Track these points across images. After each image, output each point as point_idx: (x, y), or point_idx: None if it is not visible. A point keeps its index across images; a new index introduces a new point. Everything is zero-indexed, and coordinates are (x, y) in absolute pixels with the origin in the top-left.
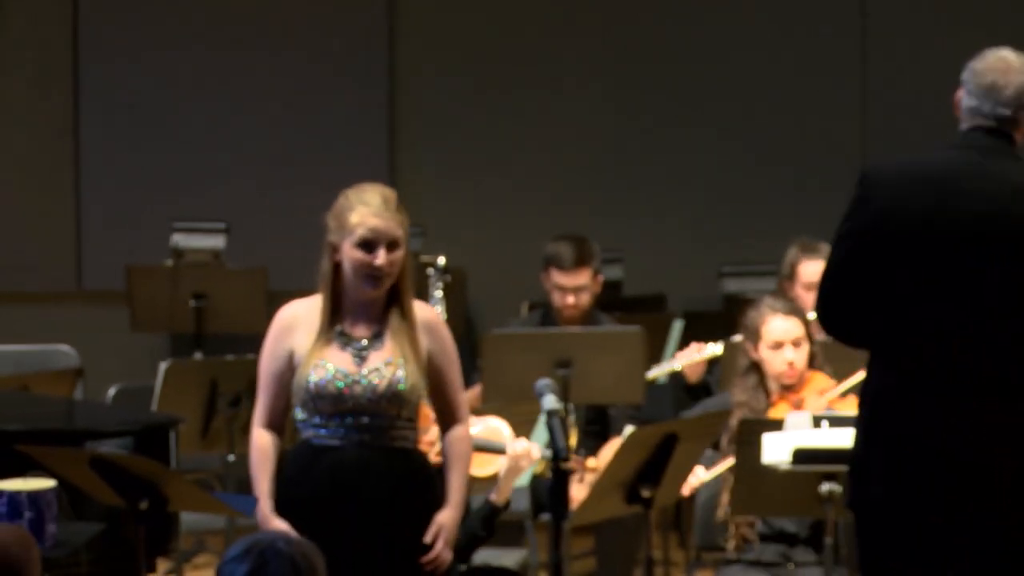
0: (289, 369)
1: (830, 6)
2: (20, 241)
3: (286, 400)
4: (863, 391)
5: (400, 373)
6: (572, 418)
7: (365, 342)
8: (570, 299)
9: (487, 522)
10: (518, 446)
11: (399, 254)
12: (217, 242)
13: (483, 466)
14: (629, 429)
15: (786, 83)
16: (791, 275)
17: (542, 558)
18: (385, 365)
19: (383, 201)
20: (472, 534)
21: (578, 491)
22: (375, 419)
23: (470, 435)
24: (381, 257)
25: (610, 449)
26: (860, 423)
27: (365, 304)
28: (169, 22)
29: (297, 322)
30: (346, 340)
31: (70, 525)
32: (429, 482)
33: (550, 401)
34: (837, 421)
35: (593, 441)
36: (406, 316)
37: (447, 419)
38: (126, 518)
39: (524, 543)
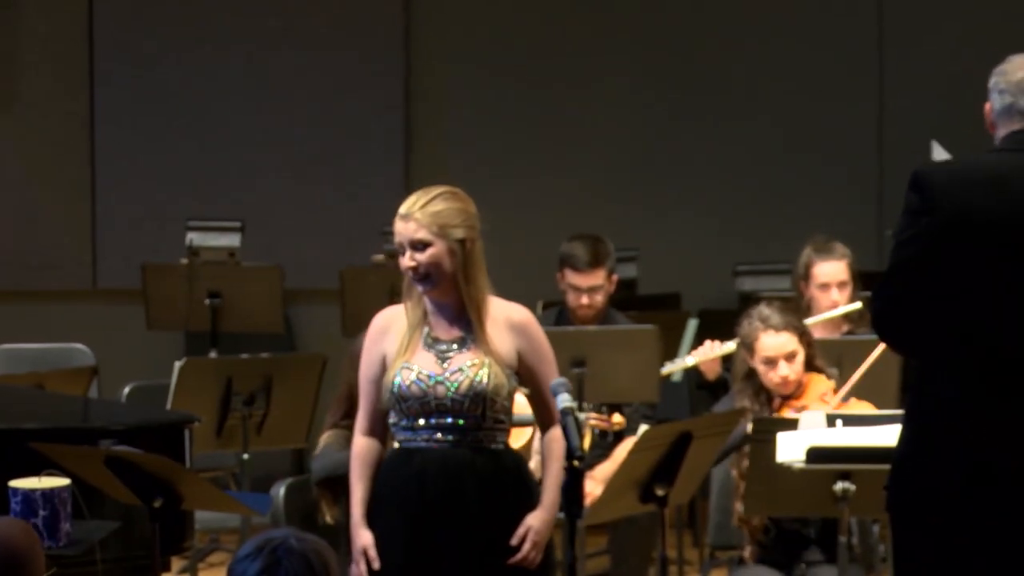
0: (384, 374)
1: (848, 4)
2: (36, 239)
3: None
4: (916, 401)
5: (482, 372)
6: (585, 416)
7: (454, 345)
8: (584, 299)
9: None
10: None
11: (431, 253)
12: (232, 240)
13: (516, 439)
14: (644, 428)
15: (803, 79)
16: (806, 275)
17: (556, 556)
18: (469, 366)
19: (413, 202)
20: None
21: (592, 488)
22: (461, 419)
23: None
24: (406, 259)
25: (625, 447)
26: (916, 432)
27: (442, 307)
28: (186, 19)
29: (390, 327)
30: (432, 342)
31: (85, 523)
32: (521, 482)
33: (565, 400)
34: (852, 420)
35: (608, 439)
36: (476, 319)
37: (544, 419)
38: (141, 516)
39: None
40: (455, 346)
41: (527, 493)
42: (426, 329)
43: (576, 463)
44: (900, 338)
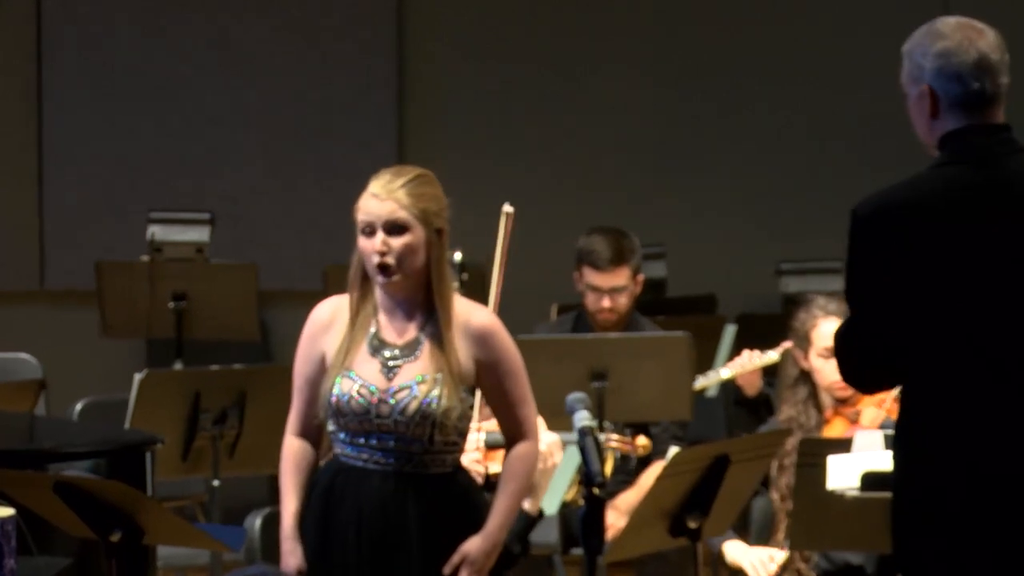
0: (322, 373)
1: None
2: None
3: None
4: (901, 443)
5: (433, 394)
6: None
7: (397, 351)
8: (606, 302)
9: (521, 535)
10: (543, 439)
11: (408, 239)
12: (200, 235)
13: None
14: (674, 450)
15: (851, 60)
16: None
17: None
18: (417, 383)
19: (390, 178)
20: (505, 550)
21: (615, 519)
22: (405, 443)
23: (535, 453)
24: (378, 241)
25: (652, 473)
26: (908, 468)
27: (396, 303)
28: None
29: (333, 322)
30: (378, 346)
31: (32, 560)
32: (470, 508)
33: (583, 418)
34: None
35: (631, 463)
36: (444, 322)
37: (508, 435)
38: (96, 552)
39: None
40: (404, 354)
41: (477, 521)
42: (372, 329)
43: (596, 490)
44: (872, 381)
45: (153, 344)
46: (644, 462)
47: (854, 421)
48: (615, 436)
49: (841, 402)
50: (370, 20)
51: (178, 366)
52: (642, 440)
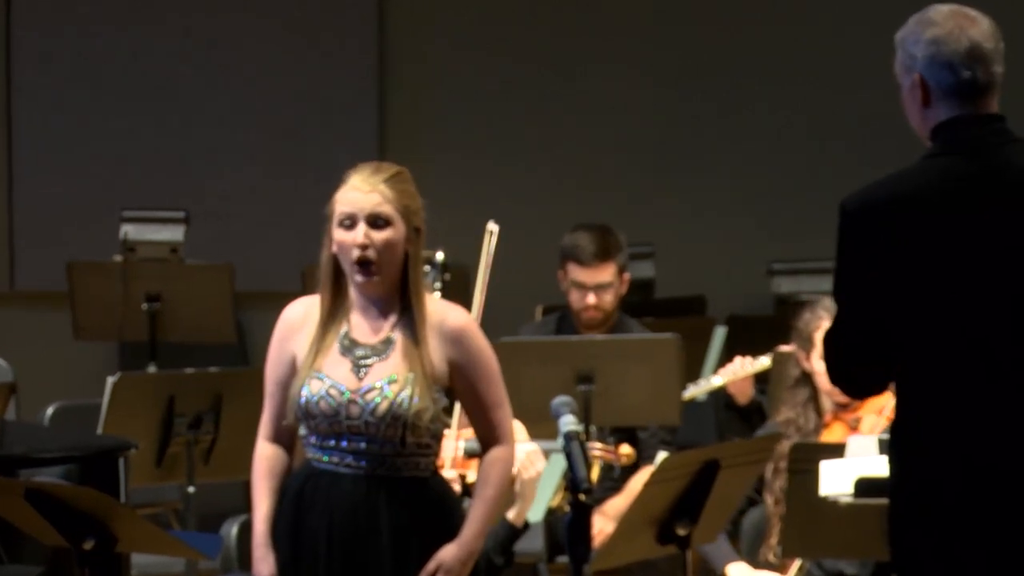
0: (294, 376)
1: None
2: None
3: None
4: (896, 438)
5: (404, 394)
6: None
7: (374, 351)
8: (591, 298)
9: (504, 546)
10: (521, 449)
11: (390, 234)
12: (175, 234)
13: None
14: (662, 455)
15: (849, 60)
16: None
17: None
18: (388, 383)
19: (371, 172)
20: (487, 561)
21: (603, 524)
22: (376, 445)
23: (510, 458)
24: (360, 234)
25: (640, 478)
26: (903, 464)
27: (370, 302)
28: None
29: (303, 322)
30: (349, 345)
31: (2, 568)
32: (446, 515)
33: (569, 422)
34: None
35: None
36: (418, 321)
37: (483, 440)
38: (68, 560)
39: None
40: (375, 353)
41: (452, 528)
42: (344, 328)
43: (582, 496)
44: (864, 385)
45: (126, 347)
46: (628, 472)
47: (854, 428)
48: (598, 445)
49: (842, 407)
50: (350, 16)
51: (152, 369)
52: (625, 449)
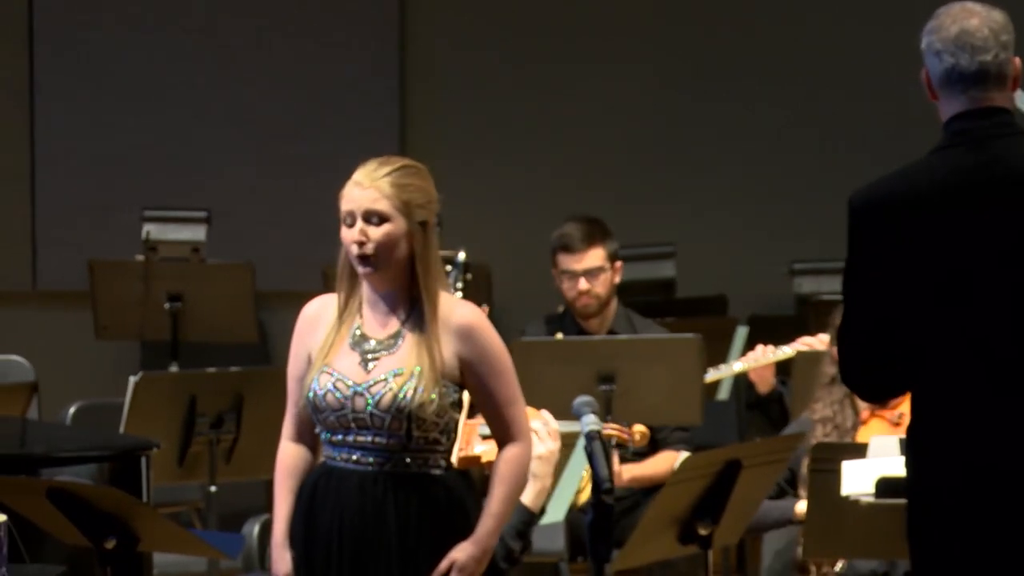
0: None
1: None
2: None
3: None
4: (909, 438)
5: (408, 386)
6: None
7: (383, 345)
8: (582, 284)
9: (520, 531)
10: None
11: (387, 230)
12: (196, 234)
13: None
14: (684, 455)
15: (866, 59)
16: None
17: None
18: (394, 376)
19: (373, 169)
20: (504, 546)
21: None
22: (382, 439)
23: (526, 455)
24: (356, 231)
25: (663, 457)
26: (914, 466)
27: (380, 297)
28: None
29: (319, 318)
30: (359, 339)
31: (23, 568)
32: (460, 513)
33: (590, 422)
34: None
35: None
36: (429, 316)
37: (498, 437)
38: (90, 559)
39: None
40: (383, 347)
41: (466, 527)
42: (357, 323)
43: (604, 497)
44: (882, 388)
45: (148, 346)
46: (641, 453)
47: (896, 423)
48: (613, 425)
49: (880, 403)
50: (370, 15)
51: (173, 368)
52: (639, 427)
